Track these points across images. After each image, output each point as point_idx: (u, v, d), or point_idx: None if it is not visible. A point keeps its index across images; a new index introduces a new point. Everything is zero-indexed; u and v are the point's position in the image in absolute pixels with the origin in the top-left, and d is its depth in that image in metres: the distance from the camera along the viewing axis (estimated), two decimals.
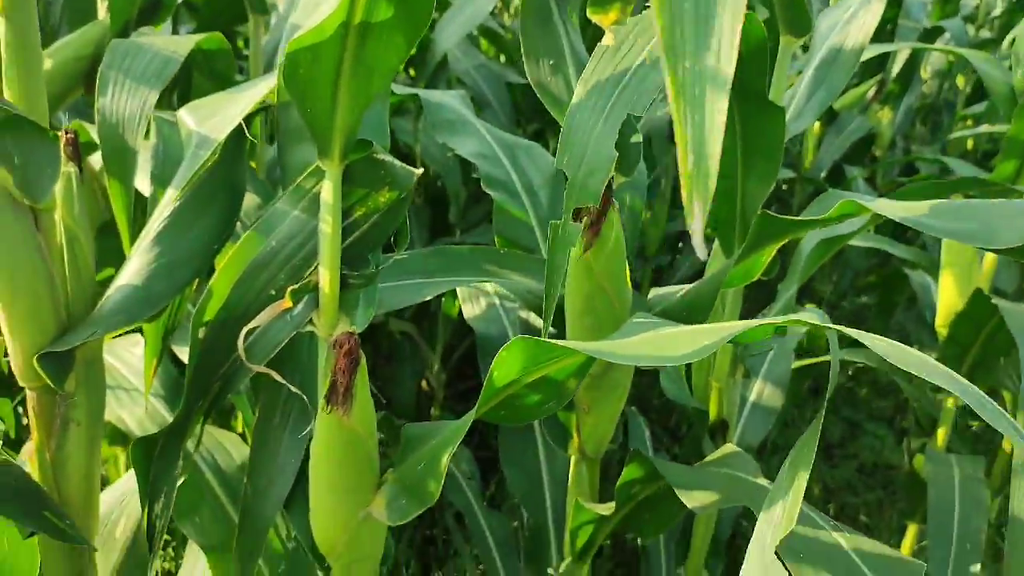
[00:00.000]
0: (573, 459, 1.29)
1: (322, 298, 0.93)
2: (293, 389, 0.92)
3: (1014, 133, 1.62)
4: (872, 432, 2.90)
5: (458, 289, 1.60)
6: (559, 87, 1.16)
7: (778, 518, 0.75)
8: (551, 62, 1.16)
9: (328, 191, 0.89)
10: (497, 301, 1.59)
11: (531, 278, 1.23)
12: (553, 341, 0.76)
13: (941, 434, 1.93)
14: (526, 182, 1.39)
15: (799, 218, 0.97)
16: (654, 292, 1.23)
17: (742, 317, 1.49)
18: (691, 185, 0.52)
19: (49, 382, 0.90)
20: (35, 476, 0.94)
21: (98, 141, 1.08)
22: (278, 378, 0.90)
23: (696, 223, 0.52)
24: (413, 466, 0.92)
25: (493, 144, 1.42)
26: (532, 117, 2.69)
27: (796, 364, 1.81)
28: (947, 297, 1.92)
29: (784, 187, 3.33)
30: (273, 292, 0.95)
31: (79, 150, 0.99)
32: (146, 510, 0.95)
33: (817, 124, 3.21)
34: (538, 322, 1.39)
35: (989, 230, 0.83)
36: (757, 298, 2.18)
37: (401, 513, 0.91)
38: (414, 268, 1.21)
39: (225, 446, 1.20)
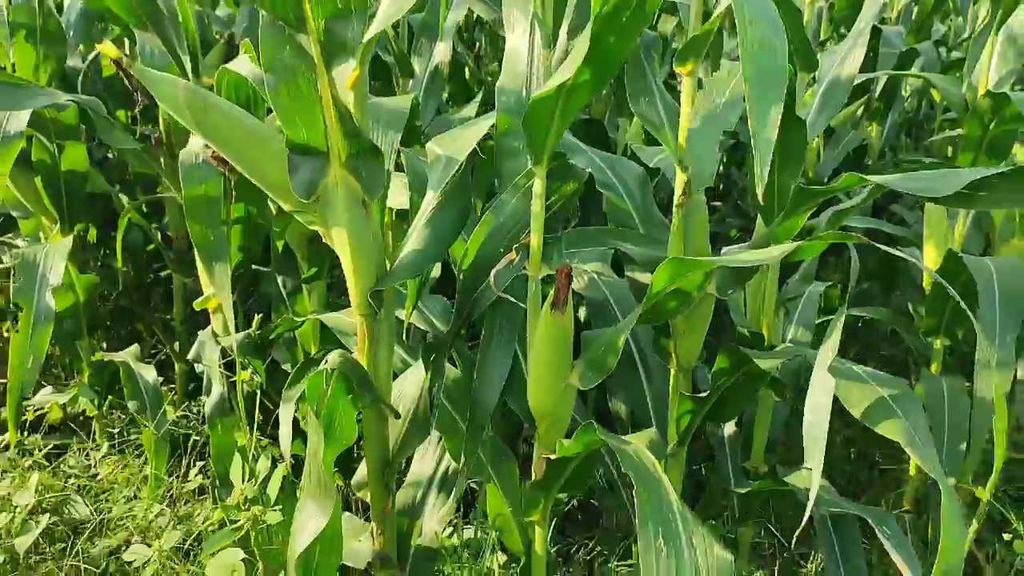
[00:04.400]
0: (672, 372, 1.86)
1: (532, 252, 1.52)
2: (513, 300, 1.49)
3: (967, 132, 2.24)
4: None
5: None
6: (653, 115, 1.76)
7: (826, 352, 1.33)
8: (647, 99, 1.76)
9: (539, 185, 1.48)
10: (596, 276, 2.17)
11: (636, 246, 1.82)
12: (688, 258, 1.34)
13: (934, 367, 2.51)
14: (623, 184, 1.98)
15: (822, 187, 1.55)
16: (725, 249, 1.81)
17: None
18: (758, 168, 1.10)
19: (375, 308, 1.48)
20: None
21: None
22: (513, 300, 1.49)
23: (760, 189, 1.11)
24: (596, 349, 1.50)
25: (596, 159, 2.02)
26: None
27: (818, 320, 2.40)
28: (929, 261, 2.51)
29: None
30: (501, 250, 1.54)
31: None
32: (427, 387, 1.53)
33: (817, 139, 3.82)
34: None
35: (933, 186, 1.41)
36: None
37: (589, 380, 1.49)
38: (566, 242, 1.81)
39: None
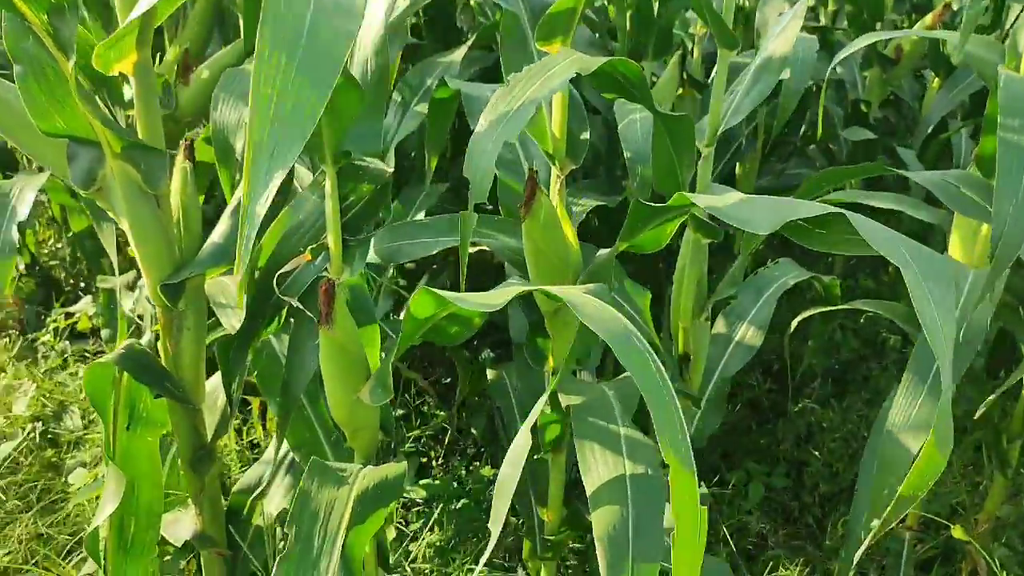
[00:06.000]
0: (547, 374, 1.71)
1: (332, 255, 1.41)
2: (308, 313, 1.40)
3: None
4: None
5: None
6: None
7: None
8: None
9: (329, 184, 1.36)
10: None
11: (514, 239, 1.65)
12: (443, 292, 1.19)
13: None
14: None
15: (659, 205, 1.32)
16: (599, 254, 1.61)
17: (711, 273, 1.84)
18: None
19: (166, 302, 1.44)
20: (162, 361, 1.50)
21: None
22: (298, 305, 1.40)
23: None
24: (384, 369, 1.39)
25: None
26: None
27: (810, 312, 2.12)
28: (955, 251, 2.14)
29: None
30: (302, 249, 1.44)
31: (194, 152, 1.52)
32: (225, 385, 1.49)
33: (936, 80, 3.30)
34: None
35: (755, 219, 1.16)
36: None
37: (377, 398, 1.39)
38: (433, 229, 1.67)
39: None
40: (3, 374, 2.94)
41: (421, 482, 2.47)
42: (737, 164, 3.11)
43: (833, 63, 2.08)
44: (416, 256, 1.65)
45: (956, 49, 1.65)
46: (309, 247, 1.41)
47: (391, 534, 2.06)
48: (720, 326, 1.98)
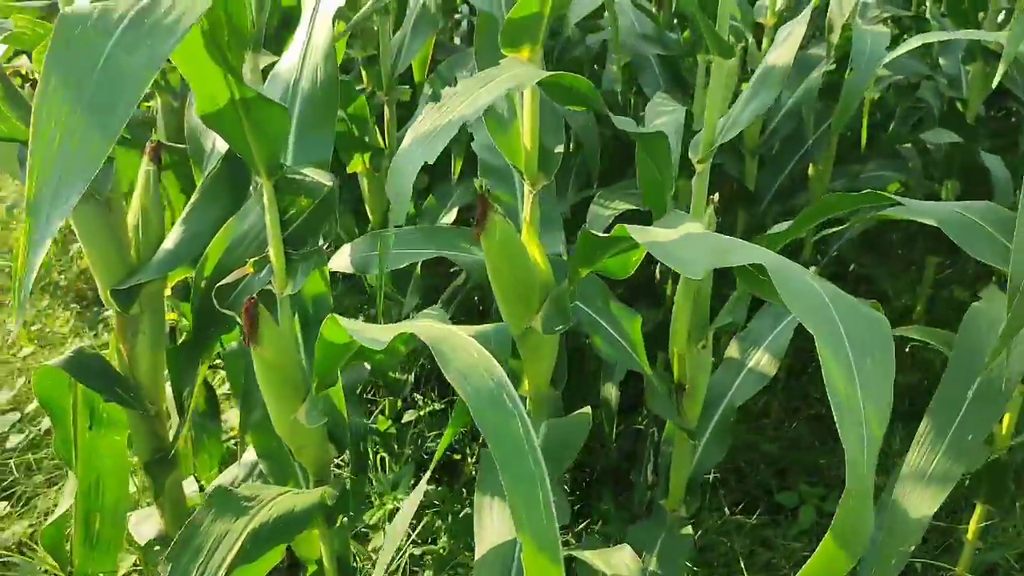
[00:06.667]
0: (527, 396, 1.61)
1: (274, 268, 1.36)
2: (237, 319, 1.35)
3: None
4: None
5: None
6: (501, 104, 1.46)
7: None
8: None
9: (267, 196, 1.30)
10: None
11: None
12: (344, 322, 1.11)
13: None
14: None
15: (608, 237, 1.19)
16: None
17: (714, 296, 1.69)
18: None
19: (117, 308, 1.43)
20: (115, 365, 1.49)
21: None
22: (237, 318, 1.35)
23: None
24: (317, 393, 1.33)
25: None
26: None
27: None
28: None
29: None
30: (247, 260, 1.39)
31: (160, 155, 1.50)
32: (175, 393, 1.47)
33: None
34: None
35: (690, 260, 1.03)
36: None
37: (313, 420, 1.34)
38: (408, 241, 1.60)
39: None
40: (71, 343, 3.08)
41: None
42: (810, 165, 2.89)
43: (888, 57, 1.86)
44: (386, 268, 1.58)
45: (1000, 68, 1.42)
46: (252, 259, 1.36)
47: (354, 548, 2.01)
48: (733, 351, 1.83)
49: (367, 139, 2.12)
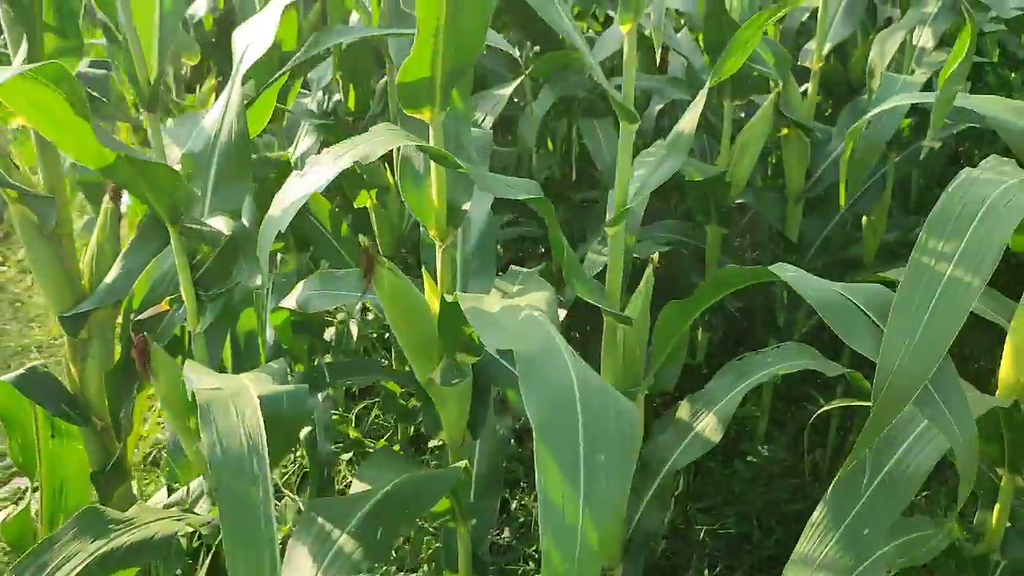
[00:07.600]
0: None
1: (187, 307, 1.46)
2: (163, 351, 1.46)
3: None
4: None
5: None
6: None
7: None
8: None
9: (174, 242, 1.41)
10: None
11: None
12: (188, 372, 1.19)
13: None
14: None
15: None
16: None
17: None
18: None
19: (67, 332, 1.57)
20: (67, 385, 1.64)
21: None
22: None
23: None
24: None
25: None
26: None
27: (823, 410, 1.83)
28: (1006, 370, 1.74)
29: None
30: (169, 298, 1.51)
31: (119, 195, 1.64)
32: (112, 413, 1.60)
33: None
34: None
35: (489, 336, 1.05)
36: None
37: None
38: (343, 283, 1.67)
39: None
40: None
41: None
42: (864, 216, 2.75)
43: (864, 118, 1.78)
44: (322, 308, 1.66)
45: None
46: (169, 297, 1.48)
47: None
48: (683, 411, 1.77)
49: (366, 177, 2.21)
